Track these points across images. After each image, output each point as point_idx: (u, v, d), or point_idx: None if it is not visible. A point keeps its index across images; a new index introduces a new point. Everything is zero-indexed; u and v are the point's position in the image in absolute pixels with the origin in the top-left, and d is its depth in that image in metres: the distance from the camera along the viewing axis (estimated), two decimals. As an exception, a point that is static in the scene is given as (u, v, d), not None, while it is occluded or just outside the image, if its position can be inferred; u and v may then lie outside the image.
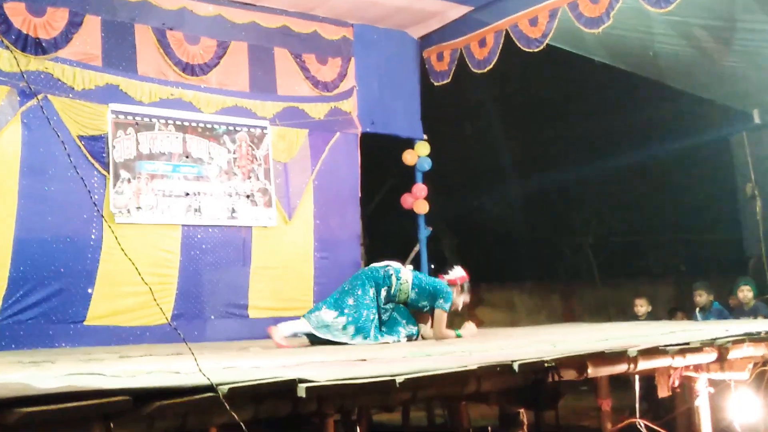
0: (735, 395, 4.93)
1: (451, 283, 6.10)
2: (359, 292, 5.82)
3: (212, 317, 7.59)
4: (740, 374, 4.78)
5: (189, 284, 7.49)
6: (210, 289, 7.62)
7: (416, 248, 9.22)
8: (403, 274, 6.01)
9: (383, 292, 5.90)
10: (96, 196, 7.01)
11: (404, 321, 6.00)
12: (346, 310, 5.72)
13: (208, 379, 2.53)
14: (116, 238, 4.76)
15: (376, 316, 5.81)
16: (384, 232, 11.69)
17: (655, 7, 6.88)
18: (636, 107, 12.29)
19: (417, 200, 9.29)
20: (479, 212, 14.93)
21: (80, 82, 7.07)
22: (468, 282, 6.22)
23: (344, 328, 5.67)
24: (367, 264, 8.62)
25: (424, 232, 9.29)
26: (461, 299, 6.15)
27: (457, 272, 6.17)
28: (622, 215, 14.91)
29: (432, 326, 6.02)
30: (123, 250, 4.29)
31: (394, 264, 6.13)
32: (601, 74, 9.85)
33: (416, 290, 5.98)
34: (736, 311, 8.39)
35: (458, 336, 6.02)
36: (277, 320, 7.88)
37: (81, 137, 7.04)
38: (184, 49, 7.70)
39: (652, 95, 11.33)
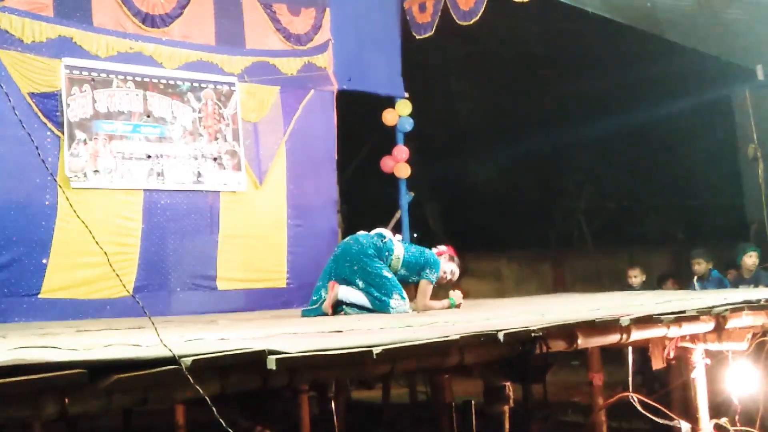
0: (733, 367, 4.99)
1: (439, 255, 6.15)
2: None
3: (178, 289, 7.57)
4: (738, 345, 4.84)
5: (152, 254, 7.45)
6: (175, 259, 7.59)
7: (397, 215, 9.23)
8: (396, 249, 6.03)
9: None
10: (50, 159, 6.94)
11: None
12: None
13: (170, 350, 2.52)
14: (71, 204, 4.70)
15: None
16: (363, 197, 11.68)
17: (653, -47, 6.85)
18: (632, 63, 12.29)
19: (398, 163, 9.27)
20: (465, 176, 14.94)
21: (30, 34, 6.93)
22: (456, 257, 6.27)
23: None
24: (345, 233, 8.68)
25: (406, 197, 9.28)
26: (450, 267, 6.17)
27: (443, 248, 6.25)
28: (617, 179, 15.01)
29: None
30: (79, 217, 4.27)
31: (386, 232, 6.16)
32: (595, 27, 9.81)
33: (407, 266, 6.02)
34: (736, 282, 8.50)
35: (453, 306, 6.06)
36: (247, 293, 7.95)
37: (32, 95, 6.93)
38: (144, -2, 7.59)
39: (650, 50, 11.32)
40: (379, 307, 5.81)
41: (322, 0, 8.75)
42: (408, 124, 9.32)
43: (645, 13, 8.70)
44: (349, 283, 5.91)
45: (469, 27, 8.73)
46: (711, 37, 9.38)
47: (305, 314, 5.97)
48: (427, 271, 6.00)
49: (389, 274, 5.92)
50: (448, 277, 6.21)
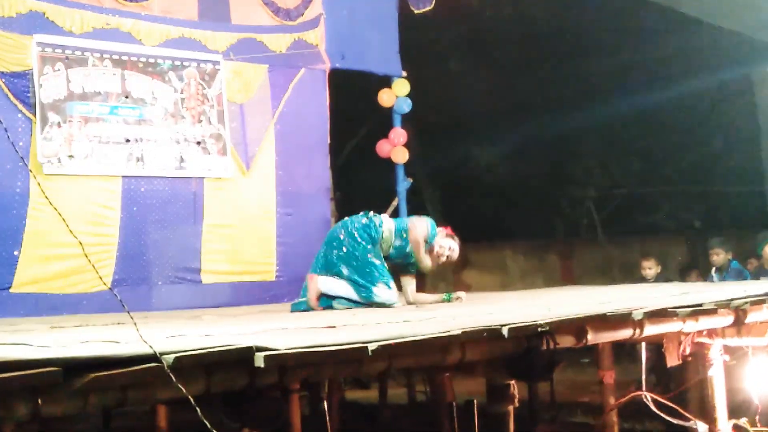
0: (753, 363, 5.00)
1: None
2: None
3: (159, 283, 7.56)
4: (759, 340, 4.85)
5: (132, 245, 7.43)
6: (156, 250, 7.58)
7: (394, 202, 9.21)
8: (386, 222, 6.03)
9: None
10: (21, 143, 6.90)
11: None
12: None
13: (151, 347, 2.52)
14: (43, 191, 4.69)
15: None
16: (357, 184, 11.68)
17: None
18: (646, 40, 12.26)
19: (395, 147, 9.26)
20: (466, 161, 14.94)
21: (-2, 8, 6.91)
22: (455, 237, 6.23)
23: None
24: (338, 222, 8.66)
25: (404, 184, 9.27)
26: (448, 243, 6.07)
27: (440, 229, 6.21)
28: (629, 164, 15.01)
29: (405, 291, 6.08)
30: (52, 205, 4.25)
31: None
32: (606, 1, 9.78)
33: (400, 235, 5.99)
34: (757, 273, 8.51)
35: (447, 300, 6.05)
36: (233, 286, 7.94)
37: (1, 74, 6.90)
38: (121, -30, 7.56)
39: (664, 26, 11.29)
40: (364, 296, 5.78)
41: (313, -29, 8.72)
42: (406, 106, 9.30)
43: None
44: (334, 272, 5.89)
45: (471, 1, 8.70)
46: (730, 11, 9.36)
47: (294, 309, 5.97)
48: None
49: (377, 261, 5.87)
50: (446, 253, 6.04)
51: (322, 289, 5.87)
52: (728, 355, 4.86)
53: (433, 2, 9.02)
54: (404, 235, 5.98)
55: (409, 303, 6.04)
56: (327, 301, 5.88)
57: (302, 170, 8.54)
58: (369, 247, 5.89)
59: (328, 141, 8.78)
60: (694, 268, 9.54)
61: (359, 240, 5.89)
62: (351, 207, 8.06)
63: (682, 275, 9.34)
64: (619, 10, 10.37)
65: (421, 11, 9.18)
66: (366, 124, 11.89)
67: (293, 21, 8.55)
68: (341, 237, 5.96)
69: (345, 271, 5.86)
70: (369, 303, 5.79)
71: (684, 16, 9.83)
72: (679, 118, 13.67)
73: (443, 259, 6.08)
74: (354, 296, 5.83)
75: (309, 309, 5.85)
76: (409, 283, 6.13)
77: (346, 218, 6.17)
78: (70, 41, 7.25)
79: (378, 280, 5.81)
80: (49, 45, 7.14)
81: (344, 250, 5.90)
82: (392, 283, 5.91)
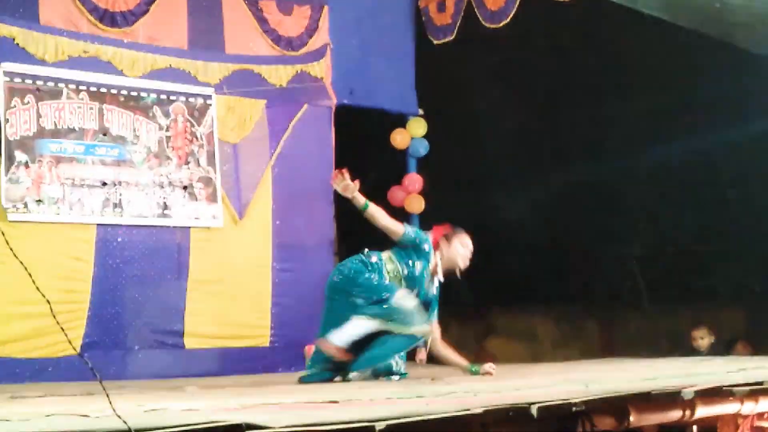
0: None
1: (434, 244, 6.20)
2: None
3: (136, 347, 7.58)
4: (829, 425, 4.81)
5: (106, 303, 7.48)
6: (133, 310, 7.61)
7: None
8: (383, 253, 6.14)
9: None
10: (-18, 185, 7.00)
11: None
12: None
13: (125, 422, 2.52)
14: (6, 241, 4.70)
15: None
16: (365, 236, 11.67)
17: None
18: (697, 77, 12.32)
19: (409, 195, 9.32)
20: (490, 213, 14.94)
21: (-38, 33, 7.05)
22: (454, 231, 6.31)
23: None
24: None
25: (419, 237, 9.29)
26: (455, 252, 6.19)
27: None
28: (679, 220, 14.96)
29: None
30: (16, 256, 4.26)
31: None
32: (651, 33, 9.87)
33: (399, 255, 6.10)
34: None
35: (473, 372, 6.05)
36: (222, 351, 7.94)
37: (-37, 107, 7.02)
38: (102, -9, 7.70)
39: (718, 61, 11.37)
40: (386, 308, 5.78)
41: (319, -4, 8.88)
42: (422, 148, 9.38)
43: (713, 16, 8.77)
44: (348, 314, 5.90)
45: (498, 31, 8.80)
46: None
47: (307, 380, 5.95)
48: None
49: (385, 281, 5.97)
50: (460, 264, 6.22)
51: (339, 344, 5.88)
52: (793, 442, 4.82)
53: (455, 32, 9.12)
54: (411, 263, 6.07)
55: (432, 352, 6.07)
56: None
57: (303, 220, 8.59)
58: (368, 275, 5.96)
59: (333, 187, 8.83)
60: (740, 338, 9.49)
61: (355, 272, 5.99)
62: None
63: (728, 347, 9.29)
64: (668, 43, 10.44)
65: (441, 42, 9.30)
66: (377, 168, 11.94)
67: (296, 51, 8.67)
68: (335, 279, 6.07)
69: (360, 301, 5.87)
70: (392, 316, 5.78)
71: (743, 52, 9.91)
72: (737, 167, 13.67)
73: (459, 271, 6.24)
74: (374, 324, 5.83)
75: (326, 377, 5.85)
76: (435, 329, 6.16)
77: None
78: (42, 71, 7.37)
79: (395, 290, 5.86)
80: (18, 74, 7.26)
81: (348, 289, 5.94)
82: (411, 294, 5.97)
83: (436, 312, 6.22)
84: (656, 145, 12.87)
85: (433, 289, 6.18)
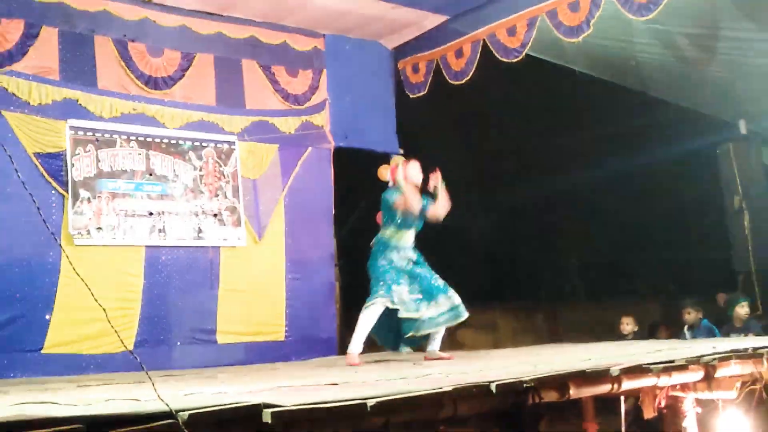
0: (723, 415, 4.96)
1: (392, 175, 6.51)
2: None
3: (178, 343, 7.53)
4: (728, 393, 4.82)
5: (153, 309, 7.43)
6: (175, 313, 7.57)
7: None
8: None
9: None
10: (54, 217, 6.97)
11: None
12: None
13: (167, 405, 2.52)
14: (70, 261, 4.71)
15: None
16: (360, 250, 11.66)
17: (636, 15, 6.95)
18: (619, 118, 12.40)
19: (393, 217, 9.28)
20: (459, 229, 14.94)
21: (36, 96, 7.02)
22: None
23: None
24: (342, 286, 8.70)
25: (402, 250, 9.26)
26: (409, 173, 6.47)
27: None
28: (608, 235, 15.00)
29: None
30: (78, 274, 4.27)
31: None
32: (582, 84, 9.93)
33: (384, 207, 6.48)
34: (726, 328, 8.47)
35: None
36: (247, 345, 7.90)
37: (38, 155, 6.99)
38: (146, 62, 7.69)
39: (636, 106, 11.43)
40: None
41: (319, 62, 8.87)
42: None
43: (630, 71, 8.83)
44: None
45: (461, 87, 8.84)
46: (694, 93, 9.51)
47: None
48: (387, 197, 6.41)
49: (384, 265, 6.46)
50: (417, 178, 6.54)
51: (357, 350, 6.10)
52: (700, 407, 4.83)
53: (427, 88, 9.16)
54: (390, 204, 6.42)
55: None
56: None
57: (309, 239, 8.57)
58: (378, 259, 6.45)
59: (333, 212, 8.84)
60: (661, 324, 9.50)
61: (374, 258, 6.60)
62: (353, 272, 8.09)
63: (651, 332, 9.30)
64: (597, 90, 10.48)
65: (416, 96, 9.32)
66: (367, 196, 11.95)
67: (301, 105, 8.69)
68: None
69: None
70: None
71: (654, 98, 9.97)
72: (652, 189, 13.74)
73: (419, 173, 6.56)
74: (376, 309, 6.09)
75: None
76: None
77: None
78: (100, 125, 7.37)
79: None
80: (81, 128, 7.26)
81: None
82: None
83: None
84: (588, 171, 12.93)
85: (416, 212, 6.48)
